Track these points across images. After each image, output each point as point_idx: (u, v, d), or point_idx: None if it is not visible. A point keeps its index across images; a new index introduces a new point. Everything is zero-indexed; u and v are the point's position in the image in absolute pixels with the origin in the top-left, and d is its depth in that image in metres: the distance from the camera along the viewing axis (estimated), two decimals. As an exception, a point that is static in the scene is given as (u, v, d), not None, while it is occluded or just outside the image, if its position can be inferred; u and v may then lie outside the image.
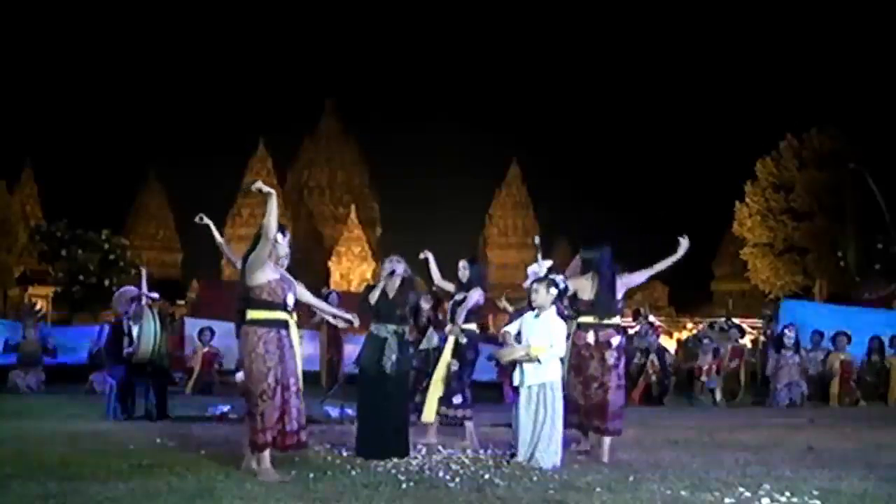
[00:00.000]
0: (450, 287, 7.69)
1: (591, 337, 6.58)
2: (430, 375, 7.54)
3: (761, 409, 12.31)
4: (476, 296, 7.39)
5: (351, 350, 12.28)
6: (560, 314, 6.47)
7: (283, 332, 5.58)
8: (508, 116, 78.91)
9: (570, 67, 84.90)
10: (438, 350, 7.77)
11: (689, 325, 28.71)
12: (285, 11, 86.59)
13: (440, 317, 8.64)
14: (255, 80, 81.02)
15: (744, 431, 8.52)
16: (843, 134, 32.06)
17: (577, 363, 6.64)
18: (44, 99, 70.20)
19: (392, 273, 6.66)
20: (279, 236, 5.62)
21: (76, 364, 13.92)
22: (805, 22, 58.31)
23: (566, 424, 6.37)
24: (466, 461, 6.16)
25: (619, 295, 6.77)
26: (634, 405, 11.65)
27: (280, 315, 5.59)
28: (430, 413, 7.33)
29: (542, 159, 73.68)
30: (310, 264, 44.54)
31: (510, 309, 9.66)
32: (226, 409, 9.25)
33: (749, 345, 15.43)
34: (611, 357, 6.58)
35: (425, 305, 8.87)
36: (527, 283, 7.03)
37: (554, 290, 6.35)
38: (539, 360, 6.15)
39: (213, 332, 13.76)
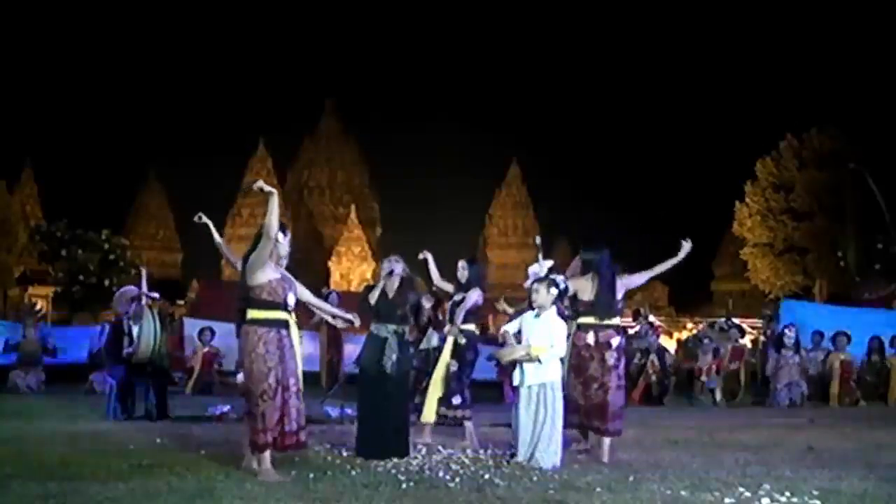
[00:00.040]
0: (449, 287, 7.69)
1: (591, 337, 6.58)
2: (429, 375, 7.54)
3: (761, 409, 12.30)
4: (475, 296, 7.39)
5: (351, 350, 12.30)
6: (560, 314, 6.47)
7: (284, 331, 5.59)
8: (508, 116, 78.98)
9: (569, 68, 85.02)
10: (438, 350, 7.77)
11: (689, 325, 28.66)
12: (285, 12, 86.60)
13: (440, 317, 8.64)
14: (255, 80, 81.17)
15: (744, 431, 8.52)
16: (843, 134, 32.03)
17: (577, 364, 6.64)
18: (44, 99, 70.33)
19: (391, 273, 6.66)
20: (280, 235, 5.63)
21: (76, 363, 13.92)
22: (805, 22, 58.35)
23: (566, 425, 6.37)
24: (466, 461, 6.17)
25: (619, 295, 6.78)
26: (634, 405, 11.64)
27: (280, 315, 5.60)
28: (429, 413, 7.32)
29: (542, 159, 73.78)
30: (310, 264, 44.53)
31: (509, 311, 9.63)
32: (226, 409, 9.23)
33: (749, 345, 15.40)
34: (611, 358, 6.58)
35: (427, 305, 8.87)
36: (527, 283, 7.03)
37: (554, 291, 6.35)
38: (539, 360, 6.16)
39: (213, 332, 13.74)
